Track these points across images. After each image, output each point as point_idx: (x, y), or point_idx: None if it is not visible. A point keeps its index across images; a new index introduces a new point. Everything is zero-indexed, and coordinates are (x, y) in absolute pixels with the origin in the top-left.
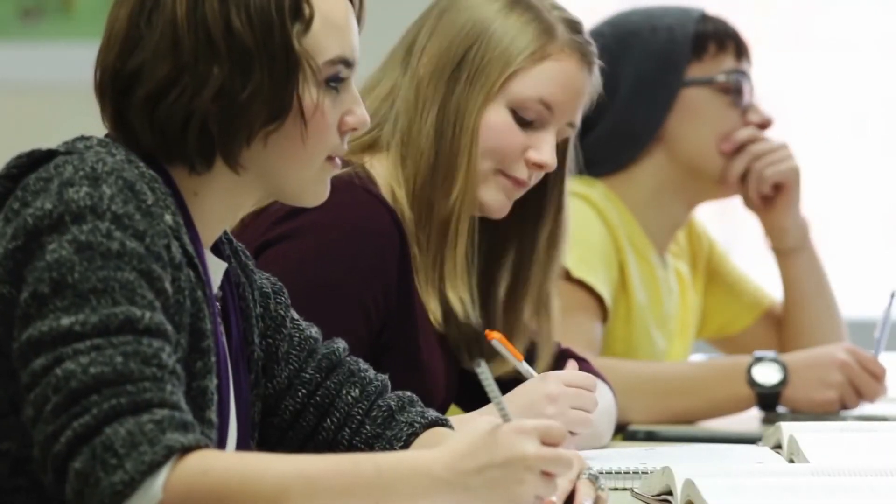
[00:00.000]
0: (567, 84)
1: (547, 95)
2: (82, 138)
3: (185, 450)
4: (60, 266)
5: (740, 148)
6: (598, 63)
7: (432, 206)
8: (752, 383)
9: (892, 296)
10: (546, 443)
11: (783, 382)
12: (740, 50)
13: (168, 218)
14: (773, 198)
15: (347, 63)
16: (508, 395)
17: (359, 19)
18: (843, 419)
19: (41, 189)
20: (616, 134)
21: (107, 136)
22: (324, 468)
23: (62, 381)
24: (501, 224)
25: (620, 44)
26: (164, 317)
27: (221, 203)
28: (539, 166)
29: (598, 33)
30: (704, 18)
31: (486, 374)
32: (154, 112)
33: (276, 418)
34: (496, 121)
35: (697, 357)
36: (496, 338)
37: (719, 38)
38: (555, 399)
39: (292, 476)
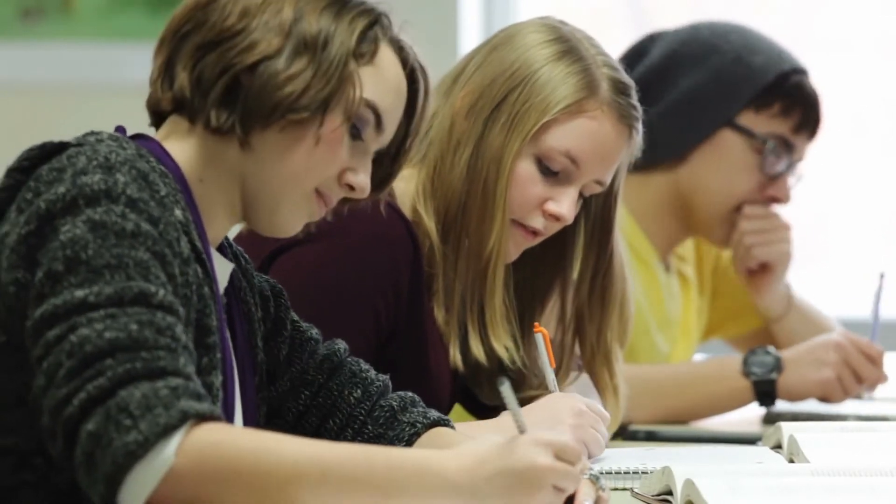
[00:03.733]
0: (598, 143)
1: (575, 151)
2: (92, 133)
3: (200, 418)
4: (74, 244)
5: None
6: (638, 129)
7: (464, 246)
8: (748, 373)
9: (882, 277)
10: (560, 459)
11: (777, 368)
12: (804, 123)
13: (178, 212)
14: (757, 273)
15: (379, 121)
16: (531, 405)
17: (410, 115)
18: (844, 419)
19: (55, 179)
20: (647, 133)
21: (116, 130)
22: (337, 453)
23: (76, 347)
24: (541, 269)
25: (702, 52)
26: (175, 298)
27: (221, 195)
28: (556, 218)
29: (695, 29)
30: (791, 75)
31: (508, 391)
32: (202, 59)
33: (280, 420)
34: (519, 170)
35: (699, 356)
36: (541, 332)
37: (789, 103)
38: (579, 414)
39: (305, 457)
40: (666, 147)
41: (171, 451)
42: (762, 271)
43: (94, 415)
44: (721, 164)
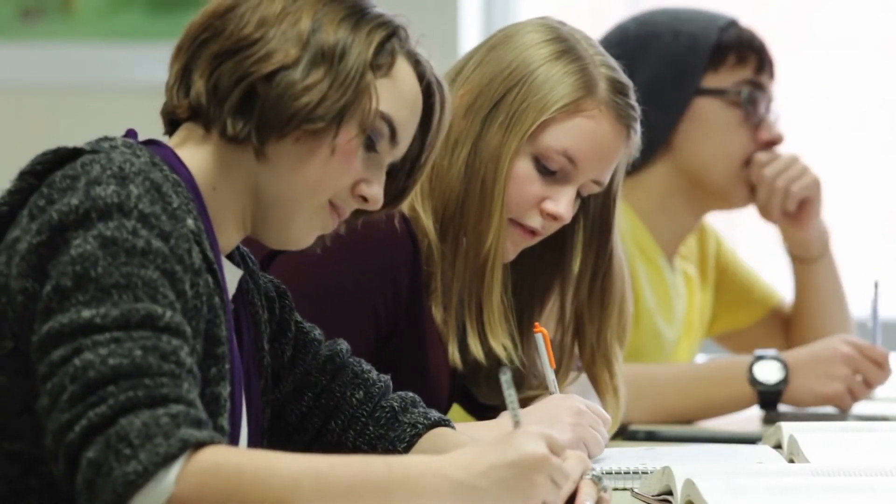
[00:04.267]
0: (596, 142)
1: (572, 150)
2: (106, 139)
3: (199, 444)
4: (84, 260)
5: (750, 162)
6: (636, 129)
7: (462, 245)
8: (754, 382)
9: (876, 286)
10: (551, 451)
11: (784, 380)
12: (761, 64)
13: (190, 222)
14: (796, 212)
15: (394, 133)
16: (531, 406)
17: (426, 130)
18: (844, 419)
19: (68, 187)
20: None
21: (126, 134)
22: (335, 464)
23: (80, 371)
24: (540, 268)
25: (641, 44)
26: (182, 318)
27: (234, 205)
28: (554, 217)
29: (622, 28)
30: (729, 27)
31: (508, 382)
32: (218, 67)
33: (282, 422)
34: (517, 169)
35: (701, 357)
36: (541, 332)
37: (741, 50)
38: (578, 413)
39: (303, 471)
40: (650, 138)
41: (170, 480)
42: (801, 208)
43: (95, 443)
44: (708, 131)
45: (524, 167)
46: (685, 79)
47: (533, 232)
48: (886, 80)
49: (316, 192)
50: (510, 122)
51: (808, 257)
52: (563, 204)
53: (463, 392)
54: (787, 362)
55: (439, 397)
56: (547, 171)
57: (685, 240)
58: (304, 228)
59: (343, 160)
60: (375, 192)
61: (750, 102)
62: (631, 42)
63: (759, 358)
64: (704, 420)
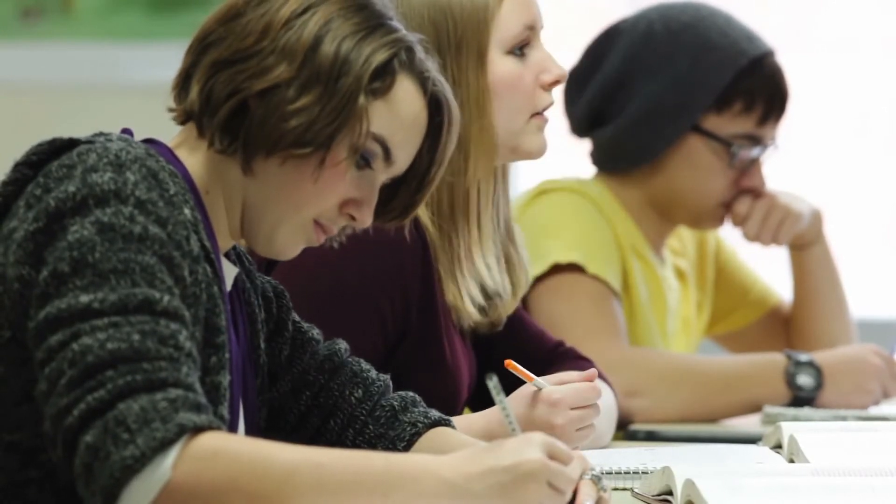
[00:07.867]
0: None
1: (528, 19)
2: (101, 133)
3: (197, 430)
4: (81, 246)
5: (727, 203)
6: None
7: (449, 191)
8: (793, 386)
9: None
10: (552, 457)
11: (820, 385)
12: (767, 114)
13: (187, 211)
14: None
15: (388, 154)
16: (512, 396)
17: (434, 146)
18: (844, 419)
19: (64, 175)
20: (615, 144)
21: (122, 132)
22: (333, 457)
23: (78, 356)
24: None
25: (656, 62)
26: (181, 303)
27: (225, 210)
28: (556, 83)
29: (650, 27)
30: (747, 69)
31: (497, 388)
32: (214, 76)
33: (281, 422)
34: (502, 72)
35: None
36: (509, 365)
37: (749, 98)
38: (555, 403)
39: (302, 461)
40: (636, 156)
41: (167, 465)
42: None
43: (93, 427)
44: (692, 168)
45: (507, 66)
46: (685, 112)
47: (550, 106)
48: (888, 80)
49: (300, 211)
50: (457, 54)
51: (802, 244)
52: (553, 66)
53: (478, 391)
54: (821, 369)
55: (459, 391)
56: (519, 55)
57: (669, 237)
58: (287, 242)
59: (329, 183)
60: (364, 213)
61: (740, 151)
62: (651, 52)
63: (796, 363)
64: (737, 417)
